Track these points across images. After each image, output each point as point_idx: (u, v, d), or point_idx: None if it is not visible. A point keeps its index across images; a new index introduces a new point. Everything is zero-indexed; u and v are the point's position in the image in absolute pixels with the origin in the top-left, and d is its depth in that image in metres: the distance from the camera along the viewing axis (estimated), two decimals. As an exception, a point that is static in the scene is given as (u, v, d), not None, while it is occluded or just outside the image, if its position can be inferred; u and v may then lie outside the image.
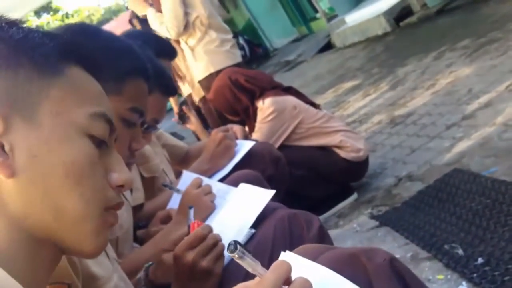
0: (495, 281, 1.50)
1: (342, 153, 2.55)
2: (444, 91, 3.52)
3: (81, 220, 0.61)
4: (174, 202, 1.51)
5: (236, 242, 0.56)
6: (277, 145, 2.50)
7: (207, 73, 3.17)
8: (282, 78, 8.48)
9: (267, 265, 0.59)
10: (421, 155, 2.74)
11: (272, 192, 1.16)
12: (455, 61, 4.00)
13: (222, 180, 1.67)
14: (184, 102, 2.44)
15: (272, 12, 13.18)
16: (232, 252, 0.56)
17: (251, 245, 1.06)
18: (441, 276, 1.66)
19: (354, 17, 8.42)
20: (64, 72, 0.64)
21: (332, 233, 2.39)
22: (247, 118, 2.59)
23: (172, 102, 3.33)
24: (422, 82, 4.03)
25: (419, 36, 5.93)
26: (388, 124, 3.57)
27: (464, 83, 3.41)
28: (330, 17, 9.79)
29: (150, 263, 1.16)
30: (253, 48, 16.22)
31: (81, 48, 0.69)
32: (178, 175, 1.99)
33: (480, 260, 1.62)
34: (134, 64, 1.01)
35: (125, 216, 1.37)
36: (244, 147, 1.80)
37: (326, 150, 2.57)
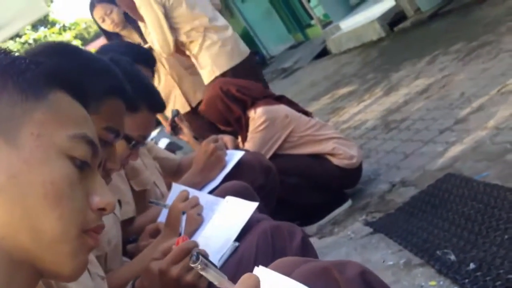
0: (486, 287, 1.50)
1: (335, 161, 2.55)
2: (437, 95, 3.53)
3: (59, 242, 0.61)
4: (164, 216, 1.51)
5: (198, 253, 0.56)
6: (269, 154, 2.50)
7: (212, 77, 3.11)
8: (279, 86, 8.51)
9: None
10: (414, 160, 2.75)
11: (255, 205, 1.17)
12: (448, 65, 4.01)
13: (212, 191, 1.68)
14: (176, 114, 2.43)
15: (268, 19, 13.22)
16: (193, 263, 0.56)
17: (235, 258, 1.07)
18: (433, 283, 1.66)
19: (348, 23, 8.44)
20: (48, 96, 0.65)
21: (327, 240, 2.40)
22: (240, 128, 2.59)
23: (160, 117, 3.31)
24: (415, 87, 4.04)
25: (413, 40, 5.95)
26: (383, 130, 3.57)
27: (456, 87, 3.42)
28: (325, 24, 9.82)
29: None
30: (250, 56, 16.29)
31: (66, 73, 0.70)
32: (170, 187, 1.99)
33: (472, 265, 1.62)
34: (111, 84, 1.01)
35: (114, 231, 1.37)
36: (234, 157, 1.81)
37: (319, 158, 2.57)
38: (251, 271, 1.01)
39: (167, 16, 2.93)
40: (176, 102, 3.35)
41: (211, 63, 3.07)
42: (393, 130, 3.45)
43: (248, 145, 2.48)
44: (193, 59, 3.15)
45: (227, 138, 2.07)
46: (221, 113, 2.59)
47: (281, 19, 12.91)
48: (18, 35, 19.58)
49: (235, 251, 1.10)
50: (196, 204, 1.34)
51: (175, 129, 2.48)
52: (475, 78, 3.35)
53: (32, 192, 0.60)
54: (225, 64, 3.05)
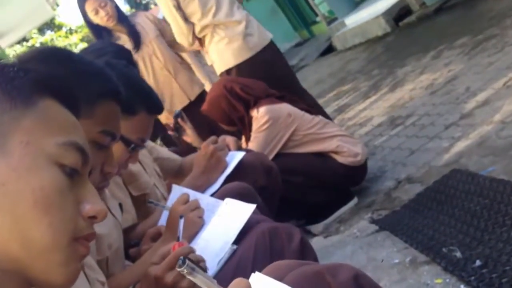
0: (492, 284, 1.48)
1: (340, 159, 2.53)
2: (442, 90, 3.50)
3: (49, 250, 0.61)
4: (165, 219, 1.50)
5: (185, 258, 0.55)
6: (273, 153, 2.49)
7: (219, 72, 3.15)
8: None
9: None
10: (420, 157, 2.72)
11: (253, 206, 1.16)
12: (453, 60, 3.98)
13: (214, 193, 1.67)
14: (178, 115, 2.42)
15: (273, 17, 13.17)
16: (179, 267, 0.55)
17: (233, 261, 1.06)
18: (439, 280, 1.64)
19: (353, 19, 8.40)
20: (37, 104, 0.65)
21: (333, 239, 2.38)
22: (243, 127, 2.58)
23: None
24: (421, 82, 4.01)
25: (418, 35, 5.91)
26: (388, 126, 3.55)
27: (462, 81, 3.39)
28: (330, 20, 9.79)
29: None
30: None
31: (56, 81, 0.70)
32: (170, 188, 1.98)
33: (478, 262, 1.60)
34: (105, 87, 1.00)
35: (114, 235, 1.36)
36: (235, 158, 1.80)
37: (323, 156, 2.55)
38: (249, 273, 1.00)
39: (182, 10, 2.99)
40: (173, 96, 3.33)
41: (218, 59, 3.10)
42: (398, 126, 3.42)
43: (252, 145, 2.47)
44: (206, 55, 3.17)
45: (229, 139, 2.06)
46: (224, 112, 2.57)
47: (286, 17, 12.88)
48: (25, 39, 19.66)
49: (233, 253, 1.09)
50: (197, 207, 1.34)
51: (178, 130, 2.47)
52: (480, 72, 3.32)
53: (22, 200, 0.59)
54: (230, 61, 3.06)
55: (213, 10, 3.03)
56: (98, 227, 1.29)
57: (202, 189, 1.71)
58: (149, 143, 2.19)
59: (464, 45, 4.16)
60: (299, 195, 2.51)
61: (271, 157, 2.48)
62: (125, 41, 3.19)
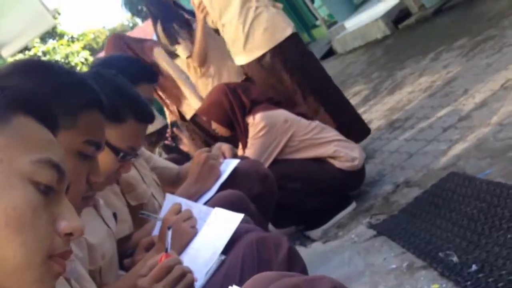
0: (488, 288, 1.47)
1: (337, 164, 2.53)
2: (441, 92, 3.49)
3: (23, 269, 0.60)
4: (158, 229, 1.50)
5: None
6: (270, 160, 2.49)
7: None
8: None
9: None
10: (418, 160, 2.72)
11: (241, 216, 1.15)
12: (452, 61, 3.97)
13: (208, 201, 1.67)
14: (174, 124, 2.42)
15: (273, 22, 13.17)
16: None
17: (221, 271, 1.05)
18: (436, 286, 1.63)
19: (353, 22, 8.40)
20: (11, 121, 0.64)
21: (331, 244, 2.37)
22: (240, 134, 2.58)
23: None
24: (419, 84, 4.00)
25: (417, 37, 5.91)
26: (387, 130, 3.54)
27: (460, 83, 3.38)
28: (330, 24, 9.79)
29: None
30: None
31: (31, 97, 0.69)
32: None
33: (474, 267, 1.59)
34: (86, 96, 1.00)
35: (107, 245, 1.36)
36: (229, 165, 1.79)
37: (320, 161, 2.55)
38: (237, 283, 1.00)
39: None
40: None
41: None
42: (397, 130, 3.42)
43: (249, 152, 2.46)
44: None
45: (225, 147, 2.06)
46: (225, 111, 2.54)
47: (286, 21, 12.85)
48: (27, 48, 19.77)
49: (221, 264, 1.09)
50: (190, 217, 1.33)
51: (174, 139, 2.48)
52: (478, 74, 3.31)
53: None
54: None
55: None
56: (91, 237, 1.30)
57: (196, 197, 1.71)
58: (146, 153, 2.20)
59: (462, 46, 4.15)
60: (297, 201, 2.50)
61: (268, 163, 2.48)
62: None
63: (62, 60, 22.31)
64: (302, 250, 2.48)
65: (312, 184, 2.51)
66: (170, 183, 2.14)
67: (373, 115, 4.13)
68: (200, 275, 1.07)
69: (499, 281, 1.47)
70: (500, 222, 1.74)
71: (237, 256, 1.06)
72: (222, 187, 1.72)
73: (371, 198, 2.62)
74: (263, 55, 3.03)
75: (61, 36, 24.76)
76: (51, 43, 23.37)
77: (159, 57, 3.34)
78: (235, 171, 1.77)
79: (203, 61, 3.34)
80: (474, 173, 2.18)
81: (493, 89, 2.89)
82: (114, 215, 1.53)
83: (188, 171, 2.03)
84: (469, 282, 1.54)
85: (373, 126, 3.84)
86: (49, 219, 0.63)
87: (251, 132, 2.49)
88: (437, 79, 3.81)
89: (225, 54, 3.42)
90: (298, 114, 2.62)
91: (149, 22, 3.60)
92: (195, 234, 1.30)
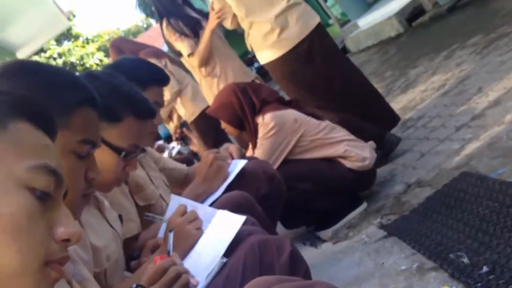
0: (499, 291, 1.44)
1: (348, 163, 2.50)
2: (454, 91, 3.45)
3: (20, 276, 0.60)
4: (163, 231, 1.50)
5: (137, 285, 0.54)
6: (280, 160, 2.47)
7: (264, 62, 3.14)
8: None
9: None
10: (430, 160, 2.68)
11: (243, 218, 1.14)
12: (466, 59, 3.92)
13: (214, 202, 1.66)
14: (183, 124, 2.42)
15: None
16: None
17: (222, 274, 1.04)
18: (446, 287, 1.61)
19: (366, 21, 8.36)
20: (8, 127, 0.64)
21: (342, 245, 2.35)
22: (249, 134, 2.56)
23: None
24: (432, 83, 3.96)
25: (431, 35, 5.85)
26: (399, 129, 3.50)
27: (473, 81, 3.34)
28: (343, 22, 9.76)
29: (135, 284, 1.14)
30: (270, 58, 16.27)
31: (28, 103, 0.69)
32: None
33: (485, 268, 1.56)
34: (78, 95, 0.99)
35: (113, 247, 1.36)
36: (237, 166, 1.79)
37: (330, 161, 2.53)
38: (239, 287, 1.00)
39: None
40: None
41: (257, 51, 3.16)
42: (410, 129, 3.38)
43: (258, 152, 2.45)
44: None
45: (232, 148, 2.05)
46: (234, 110, 2.52)
47: (300, 20, 12.83)
48: (43, 50, 19.99)
49: (223, 267, 1.08)
50: (195, 219, 1.32)
51: (184, 139, 2.48)
52: (492, 72, 3.26)
53: None
54: (268, 56, 3.09)
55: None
56: (96, 239, 1.30)
57: (203, 197, 1.70)
58: (156, 154, 2.20)
59: (476, 44, 4.10)
60: (307, 201, 2.49)
61: (278, 163, 2.46)
62: None
63: (77, 62, 22.51)
64: (312, 251, 2.46)
65: (322, 184, 2.49)
66: (179, 184, 2.14)
67: (386, 114, 4.08)
68: (202, 277, 1.07)
69: (510, 283, 1.44)
70: (512, 222, 1.71)
71: (239, 259, 1.05)
72: (230, 188, 1.71)
73: (383, 198, 2.59)
74: (301, 42, 3.02)
75: (76, 37, 24.99)
76: (66, 44, 23.60)
77: None
78: (242, 172, 1.76)
79: (204, 63, 3.33)
80: (487, 172, 2.15)
81: (506, 87, 2.84)
82: (120, 217, 1.53)
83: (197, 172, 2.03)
84: (479, 284, 1.51)
85: (385, 125, 3.81)
86: (46, 225, 0.63)
87: (261, 132, 2.48)
88: (450, 77, 3.77)
89: (232, 54, 3.42)
90: (308, 113, 2.60)
91: (162, 23, 3.61)
92: (200, 236, 1.29)
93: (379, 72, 5.86)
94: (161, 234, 1.50)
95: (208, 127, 3.24)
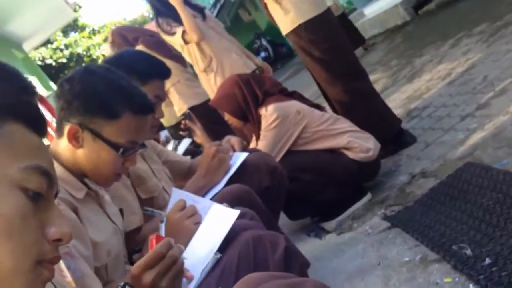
0: (501, 283, 1.43)
1: (351, 155, 2.49)
2: (460, 80, 3.42)
3: (12, 275, 0.60)
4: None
5: (125, 284, 0.54)
6: (283, 151, 2.47)
7: (295, 25, 2.94)
8: (305, 76, 8.42)
9: None
10: (435, 150, 2.67)
11: (237, 213, 1.14)
12: (472, 48, 3.88)
13: (216, 194, 1.66)
14: (187, 116, 2.42)
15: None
16: None
17: (217, 270, 1.04)
18: (449, 279, 1.60)
19: (372, 9, 8.29)
20: (1, 128, 0.64)
21: (345, 236, 2.35)
22: (253, 126, 2.55)
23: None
24: (438, 72, 3.93)
25: (438, 23, 5.80)
26: (404, 119, 3.48)
27: (479, 70, 3.30)
28: (349, 11, 9.67)
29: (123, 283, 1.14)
30: (277, 48, 16.20)
31: (21, 103, 0.69)
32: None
33: (487, 260, 1.55)
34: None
35: (114, 242, 1.36)
36: (238, 159, 1.78)
37: (334, 152, 2.52)
38: (233, 283, 0.99)
39: None
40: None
41: (294, 9, 2.93)
42: (415, 118, 3.36)
43: (261, 144, 2.45)
44: (277, 4, 2.99)
45: (234, 140, 2.05)
46: (237, 101, 2.51)
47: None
48: (49, 41, 20.00)
49: (217, 262, 1.07)
50: (194, 213, 1.32)
51: (188, 131, 2.47)
52: (498, 60, 3.23)
53: None
54: (308, 12, 2.90)
55: None
56: (96, 235, 1.30)
57: (204, 190, 1.70)
58: (158, 147, 2.20)
59: (483, 32, 4.06)
60: (311, 192, 2.48)
61: (281, 155, 2.46)
62: None
63: (84, 53, 22.52)
64: (316, 242, 2.46)
65: (326, 176, 2.49)
66: (182, 176, 2.14)
67: (391, 104, 4.04)
68: (196, 273, 1.06)
69: (513, 275, 1.43)
70: (516, 213, 1.70)
71: (233, 254, 1.04)
72: (231, 180, 1.71)
73: (387, 189, 2.58)
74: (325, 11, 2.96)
75: (83, 28, 24.98)
76: (73, 36, 23.61)
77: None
78: (244, 164, 1.76)
79: (200, 34, 3.23)
80: (491, 163, 2.13)
81: (512, 76, 2.81)
82: (121, 211, 1.53)
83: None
84: (482, 276, 1.50)
85: (390, 115, 3.79)
86: (38, 225, 0.63)
87: (264, 123, 2.47)
88: (456, 66, 3.73)
89: (229, 47, 3.37)
90: (311, 105, 2.59)
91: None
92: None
93: (384, 61, 5.82)
94: (161, 232, 1.50)
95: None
